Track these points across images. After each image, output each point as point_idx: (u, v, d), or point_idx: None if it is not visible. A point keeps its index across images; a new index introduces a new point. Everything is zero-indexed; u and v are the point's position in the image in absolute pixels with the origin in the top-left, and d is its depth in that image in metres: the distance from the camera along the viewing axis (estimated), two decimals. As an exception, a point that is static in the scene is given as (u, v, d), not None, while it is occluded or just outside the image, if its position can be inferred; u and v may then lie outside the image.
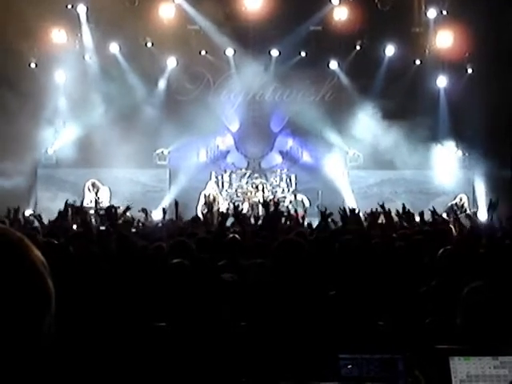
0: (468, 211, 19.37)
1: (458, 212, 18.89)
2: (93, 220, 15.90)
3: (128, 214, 12.26)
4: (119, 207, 10.04)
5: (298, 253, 4.92)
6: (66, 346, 4.37)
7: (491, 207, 9.02)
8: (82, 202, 18.42)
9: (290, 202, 20.18)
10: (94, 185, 20.02)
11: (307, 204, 19.99)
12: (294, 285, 4.79)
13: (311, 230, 10.22)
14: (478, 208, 20.01)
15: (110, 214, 7.89)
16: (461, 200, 19.76)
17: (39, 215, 10.78)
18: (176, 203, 12.30)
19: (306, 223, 12.44)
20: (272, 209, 10.21)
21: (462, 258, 5.63)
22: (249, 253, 7.03)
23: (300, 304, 4.72)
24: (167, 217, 12.63)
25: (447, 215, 17.42)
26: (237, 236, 7.51)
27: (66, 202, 10.68)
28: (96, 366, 4.58)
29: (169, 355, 4.66)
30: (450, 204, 19.39)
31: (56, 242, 6.52)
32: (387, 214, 10.47)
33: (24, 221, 11.47)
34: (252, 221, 12.38)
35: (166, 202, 19.33)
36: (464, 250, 5.88)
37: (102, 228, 8.23)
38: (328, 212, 9.81)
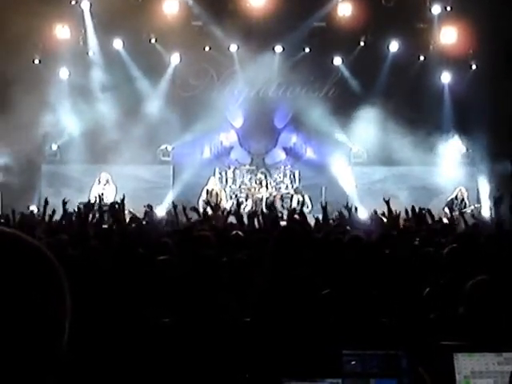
0: (468, 205, 19.35)
1: (459, 206, 18.89)
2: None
3: (131, 209, 12.28)
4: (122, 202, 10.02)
5: (299, 242, 4.88)
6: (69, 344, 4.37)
7: (496, 203, 9.03)
8: (89, 197, 18.49)
9: (298, 201, 20.00)
10: (107, 180, 19.92)
11: (309, 204, 19.72)
12: (296, 280, 4.78)
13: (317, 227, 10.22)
14: (481, 204, 19.97)
15: (113, 210, 7.89)
16: (460, 192, 19.67)
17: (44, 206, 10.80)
18: (184, 208, 12.31)
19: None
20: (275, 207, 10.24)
21: (467, 255, 5.62)
22: (251, 249, 7.03)
23: (303, 300, 4.71)
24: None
25: (449, 210, 17.42)
26: (240, 233, 7.51)
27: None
28: (99, 363, 4.59)
29: (173, 351, 4.66)
30: (449, 199, 19.36)
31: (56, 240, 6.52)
32: (390, 211, 10.52)
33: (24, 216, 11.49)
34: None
35: (170, 198, 19.34)
36: (468, 247, 5.87)
37: (104, 226, 8.21)
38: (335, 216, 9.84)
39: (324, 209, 9.87)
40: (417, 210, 11.34)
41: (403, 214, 11.25)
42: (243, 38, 20.44)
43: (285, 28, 20.35)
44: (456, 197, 19.49)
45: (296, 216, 11.30)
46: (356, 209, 12.46)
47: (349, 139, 21.21)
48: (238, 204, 11.16)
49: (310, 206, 19.46)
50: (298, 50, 21.00)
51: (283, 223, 10.26)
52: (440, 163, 21.07)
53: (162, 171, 21.36)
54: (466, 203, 19.45)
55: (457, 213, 16.41)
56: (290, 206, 19.07)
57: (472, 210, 18.75)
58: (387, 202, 10.90)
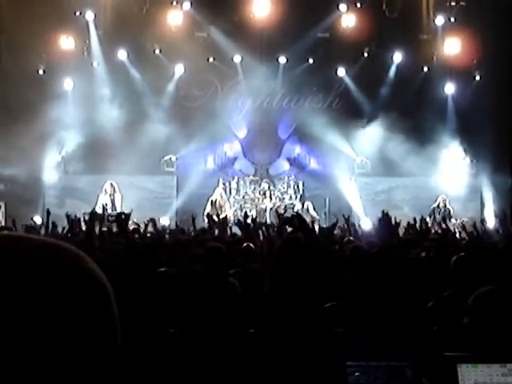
0: (451, 212, 19.41)
1: (442, 214, 18.96)
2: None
3: (135, 220, 12.29)
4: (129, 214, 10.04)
5: (299, 251, 4.88)
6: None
7: (502, 221, 9.06)
8: (95, 207, 18.52)
9: (297, 210, 20.08)
10: (112, 187, 19.91)
11: (312, 212, 19.84)
12: (299, 291, 4.78)
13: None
14: (484, 215, 19.96)
15: (120, 221, 7.87)
16: (443, 200, 19.75)
17: (53, 223, 10.79)
18: (193, 218, 12.39)
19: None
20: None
21: (473, 265, 5.62)
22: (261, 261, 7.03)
23: (306, 310, 4.72)
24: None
25: (430, 218, 17.58)
26: (251, 245, 7.51)
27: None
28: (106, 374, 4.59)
29: (178, 361, 4.66)
30: (432, 207, 19.44)
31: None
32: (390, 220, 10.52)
33: (29, 226, 11.50)
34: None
35: (173, 209, 19.43)
36: (474, 257, 5.87)
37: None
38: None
39: (334, 225, 9.83)
40: (417, 222, 11.37)
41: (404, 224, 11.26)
42: (247, 49, 20.51)
43: (289, 39, 20.40)
44: (438, 205, 19.57)
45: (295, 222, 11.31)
46: (360, 220, 12.49)
47: (352, 150, 21.21)
48: (245, 217, 11.11)
49: (314, 214, 19.53)
50: (302, 61, 21.03)
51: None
52: (444, 174, 21.04)
53: (165, 181, 21.37)
54: (449, 210, 19.51)
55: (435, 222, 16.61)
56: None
57: (462, 222, 18.81)
58: (397, 224, 10.89)
